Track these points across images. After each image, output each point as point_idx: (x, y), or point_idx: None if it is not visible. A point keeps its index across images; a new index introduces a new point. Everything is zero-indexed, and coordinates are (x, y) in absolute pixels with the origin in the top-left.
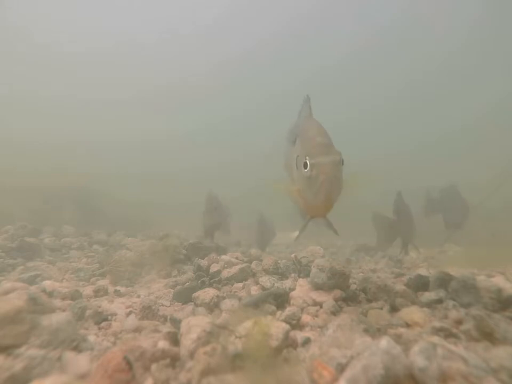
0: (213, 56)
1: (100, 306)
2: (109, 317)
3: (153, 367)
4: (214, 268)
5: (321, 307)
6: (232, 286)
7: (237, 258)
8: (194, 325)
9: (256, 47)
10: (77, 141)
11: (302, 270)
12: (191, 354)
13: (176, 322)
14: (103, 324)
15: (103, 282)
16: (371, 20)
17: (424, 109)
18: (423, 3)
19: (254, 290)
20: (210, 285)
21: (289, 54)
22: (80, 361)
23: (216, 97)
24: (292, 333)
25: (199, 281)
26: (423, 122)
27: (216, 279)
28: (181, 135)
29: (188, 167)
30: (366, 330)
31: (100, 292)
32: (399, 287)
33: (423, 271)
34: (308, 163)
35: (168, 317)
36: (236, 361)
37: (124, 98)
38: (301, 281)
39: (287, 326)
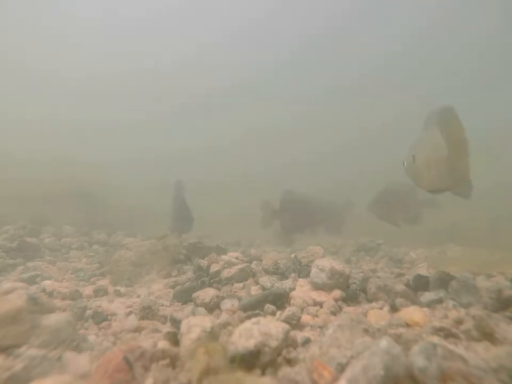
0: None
1: (99, 306)
2: (109, 317)
3: (153, 367)
4: (214, 268)
5: (321, 307)
6: (232, 286)
7: (237, 258)
8: (194, 325)
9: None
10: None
11: (302, 270)
12: (191, 354)
13: (176, 322)
14: (103, 324)
15: (103, 282)
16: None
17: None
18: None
19: (254, 290)
20: (210, 285)
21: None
22: (80, 361)
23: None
24: (292, 333)
25: (199, 281)
26: None
27: (216, 279)
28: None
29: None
30: (366, 330)
31: (100, 292)
32: (399, 287)
33: (423, 271)
34: None
35: (168, 317)
36: (236, 361)
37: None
38: (301, 281)
39: (287, 326)
